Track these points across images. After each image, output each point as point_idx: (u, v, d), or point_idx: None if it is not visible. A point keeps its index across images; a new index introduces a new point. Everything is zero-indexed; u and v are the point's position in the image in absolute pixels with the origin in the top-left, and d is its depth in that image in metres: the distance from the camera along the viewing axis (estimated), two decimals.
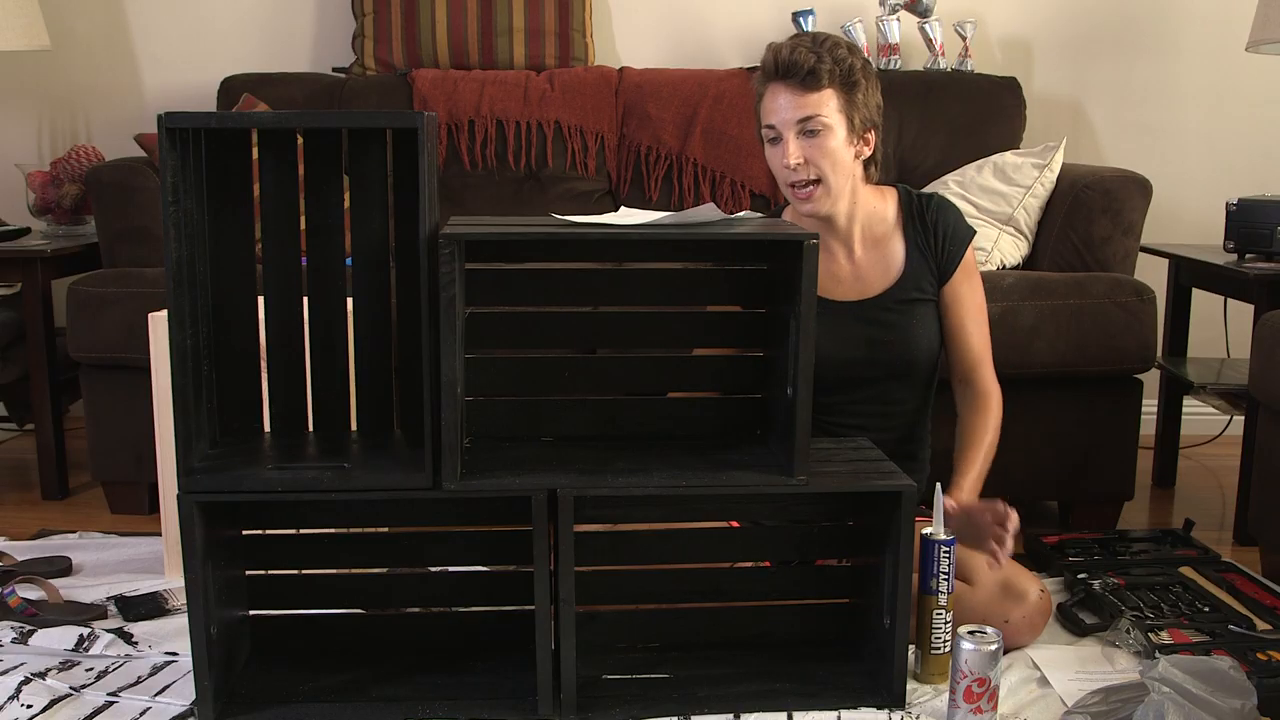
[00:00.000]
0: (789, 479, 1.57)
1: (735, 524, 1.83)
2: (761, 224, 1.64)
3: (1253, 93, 3.17)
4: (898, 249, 1.92)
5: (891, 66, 3.05)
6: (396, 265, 1.68)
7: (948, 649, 1.67)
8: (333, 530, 1.78)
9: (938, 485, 1.71)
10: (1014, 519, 1.68)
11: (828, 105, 1.78)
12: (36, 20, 2.95)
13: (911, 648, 1.71)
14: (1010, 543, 1.68)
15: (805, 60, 1.75)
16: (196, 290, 1.57)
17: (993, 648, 1.53)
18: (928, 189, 2.73)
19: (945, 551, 1.66)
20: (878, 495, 1.65)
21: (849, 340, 1.89)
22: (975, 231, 1.96)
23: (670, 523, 1.77)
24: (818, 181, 1.81)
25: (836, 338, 1.88)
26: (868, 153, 1.86)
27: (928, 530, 1.68)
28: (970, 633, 1.55)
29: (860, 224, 1.91)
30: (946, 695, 1.63)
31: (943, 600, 1.67)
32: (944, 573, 1.66)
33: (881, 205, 1.92)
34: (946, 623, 1.67)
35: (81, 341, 2.45)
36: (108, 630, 1.87)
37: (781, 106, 1.79)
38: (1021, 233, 2.61)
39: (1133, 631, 1.82)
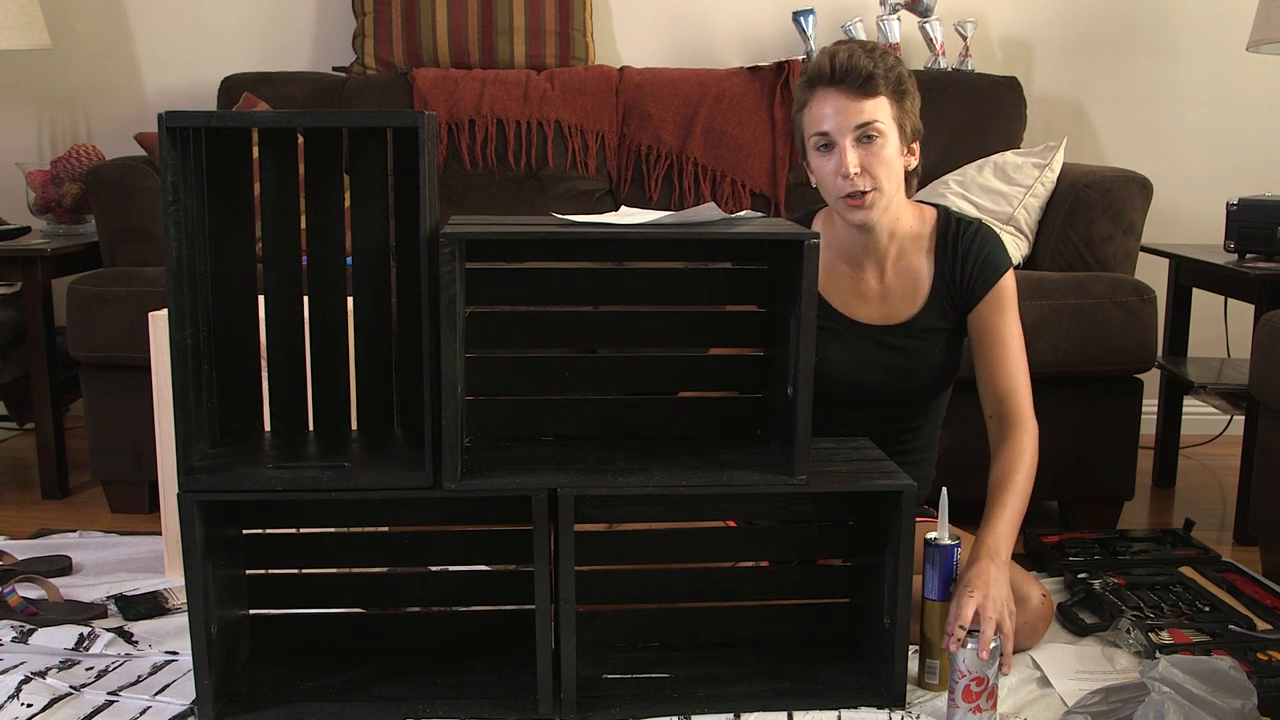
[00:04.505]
0: (789, 479, 1.57)
1: (733, 523, 1.83)
2: (762, 224, 1.64)
3: (1253, 93, 3.17)
4: (925, 274, 1.86)
5: None
6: (397, 264, 1.68)
7: None
8: (333, 530, 1.78)
9: (943, 490, 1.70)
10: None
11: (883, 112, 1.73)
12: (37, 19, 2.95)
13: (913, 655, 1.70)
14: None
15: (863, 65, 1.70)
16: (197, 289, 1.57)
17: (990, 647, 1.53)
18: (928, 189, 2.73)
19: (957, 556, 1.65)
20: (878, 495, 1.66)
21: (867, 363, 1.87)
22: (1013, 264, 1.86)
23: (670, 522, 1.77)
24: (873, 190, 1.74)
25: (855, 359, 1.86)
26: (913, 163, 1.82)
27: (932, 535, 1.66)
28: (969, 633, 1.54)
29: (897, 242, 1.85)
30: (946, 695, 1.64)
31: None
32: (957, 574, 1.66)
33: (918, 225, 1.87)
34: None
35: (82, 341, 2.45)
36: (108, 629, 1.87)
37: (836, 112, 1.72)
38: (1022, 232, 2.61)
39: (1133, 631, 1.82)
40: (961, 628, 1.54)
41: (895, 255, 1.86)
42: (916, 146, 1.81)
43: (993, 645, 1.53)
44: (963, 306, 1.85)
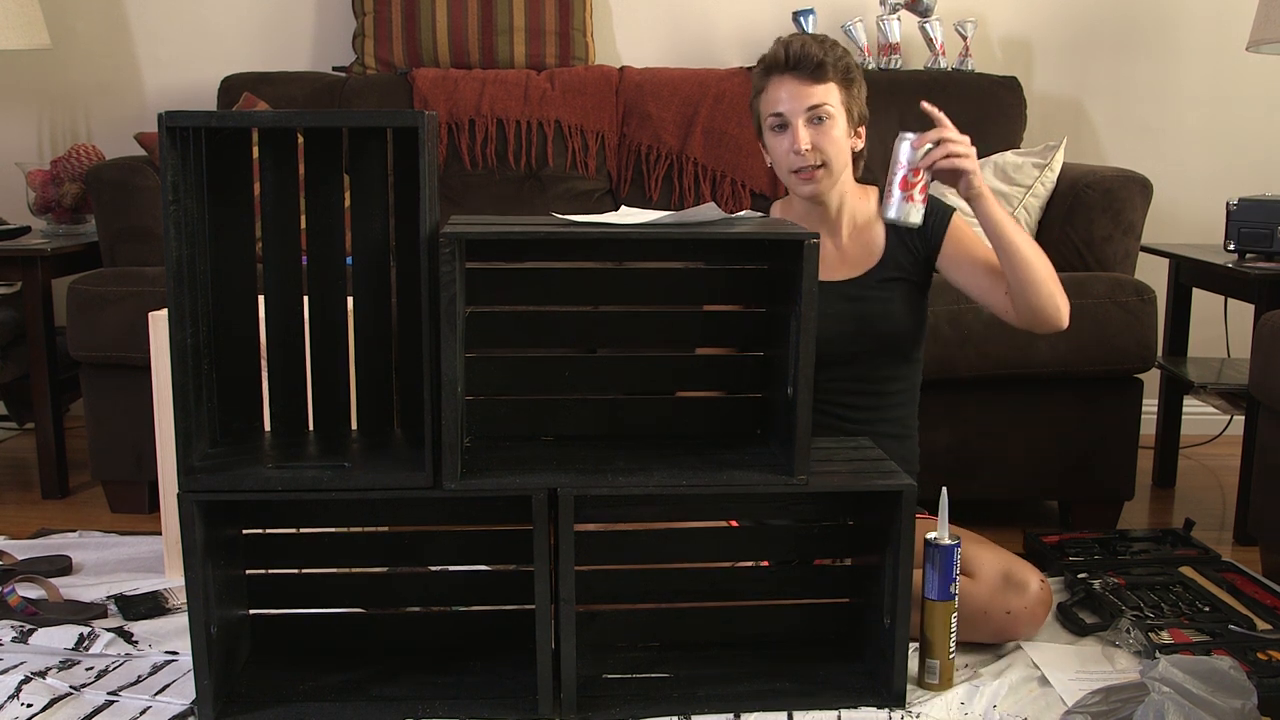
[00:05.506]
0: (789, 479, 1.57)
1: (734, 523, 1.83)
2: (761, 224, 1.64)
3: (1253, 93, 3.17)
4: (879, 235, 2.00)
5: (892, 66, 3.05)
6: (397, 264, 1.68)
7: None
8: (333, 529, 1.78)
9: (943, 490, 1.70)
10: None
11: (832, 96, 1.88)
12: (37, 19, 2.95)
13: (913, 654, 1.71)
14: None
15: (815, 54, 1.86)
16: (197, 289, 1.57)
17: (926, 148, 1.74)
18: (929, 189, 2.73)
19: (957, 556, 1.66)
20: (878, 495, 1.66)
21: (837, 316, 1.94)
22: (955, 209, 2.00)
23: (670, 522, 1.77)
24: (821, 166, 1.89)
25: (825, 314, 1.92)
26: (859, 145, 1.97)
27: (932, 535, 1.67)
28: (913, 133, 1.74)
29: (847, 213, 1.99)
30: (948, 693, 1.64)
31: (958, 602, 1.68)
32: (957, 574, 1.67)
33: (865, 200, 2.03)
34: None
35: (82, 340, 2.45)
36: (108, 629, 1.87)
37: (791, 96, 1.87)
38: None
39: (1133, 631, 1.82)
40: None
41: (848, 224, 2.00)
42: (863, 130, 1.98)
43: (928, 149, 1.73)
44: (925, 257, 1.98)
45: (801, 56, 1.86)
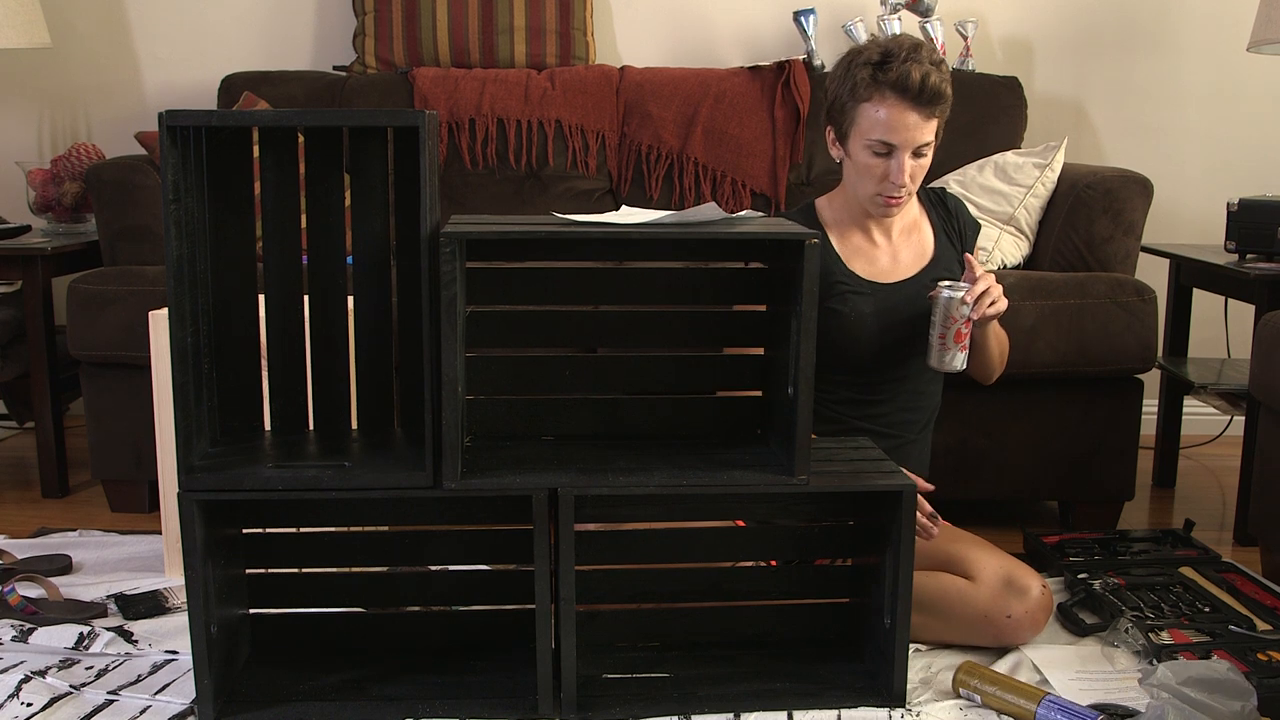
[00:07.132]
0: (789, 478, 1.57)
1: (741, 523, 1.83)
2: (762, 224, 1.64)
3: (1253, 93, 3.17)
4: (927, 234, 2.03)
5: None
6: (397, 264, 1.68)
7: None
8: (333, 529, 1.78)
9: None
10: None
11: (937, 127, 1.88)
12: (37, 18, 2.95)
13: (914, 654, 1.71)
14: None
15: (945, 92, 1.83)
16: (197, 288, 1.57)
17: (962, 292, 1.81)
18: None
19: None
20: (878, 495, 1.66)
21: (895, 319, 1.96)
22: (980, 225, 2.05)
23: (670, 522, 1.77)
24: (907, 193, 1.90)
25: (883, 316, 1.96)
26: None
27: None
28: (947, 285, 1.82)
29: (899, 216, 2.00)
30: (948, 699, 1.64)
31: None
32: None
33: (910, 201, 2.03)
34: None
35: (82, 339, 2.45)
36: (108, 628, 1.87)
37: (907, 128, 1.83)
38: (1022, 232, 2.61)
39: (1133, 631, 1.82)
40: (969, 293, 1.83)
41: (898, 224, 2.00)
42: None
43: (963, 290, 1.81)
44: (959, 257, 2.03)
45: (936, 94, 1.81)
